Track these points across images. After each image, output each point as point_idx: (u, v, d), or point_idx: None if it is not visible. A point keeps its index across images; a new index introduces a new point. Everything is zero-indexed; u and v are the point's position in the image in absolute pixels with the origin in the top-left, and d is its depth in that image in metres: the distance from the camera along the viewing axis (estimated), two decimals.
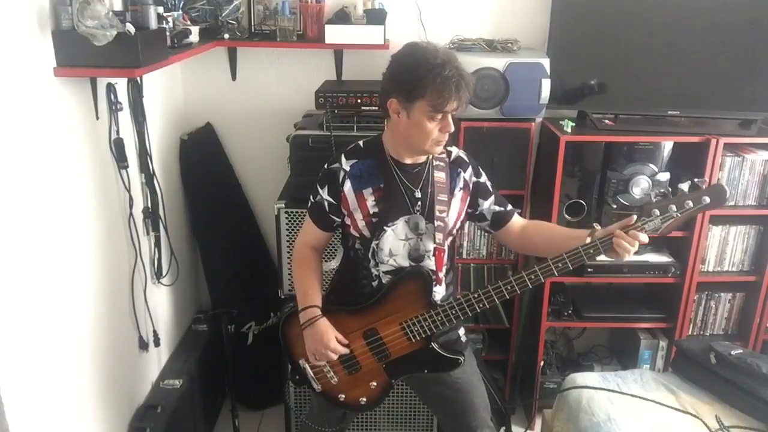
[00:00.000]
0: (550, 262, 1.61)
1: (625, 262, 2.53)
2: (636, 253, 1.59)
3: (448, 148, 1.77)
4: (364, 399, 1.83)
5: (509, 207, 1.84)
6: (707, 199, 1.56)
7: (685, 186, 1.58)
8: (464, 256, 2.63)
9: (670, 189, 1.64)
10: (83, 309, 1.90)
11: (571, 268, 1.61)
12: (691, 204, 1.56)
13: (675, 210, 1.57)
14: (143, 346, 2.31)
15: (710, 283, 2.62)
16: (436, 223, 1.70)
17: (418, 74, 1.53)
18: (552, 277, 1.65)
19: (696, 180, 1.59)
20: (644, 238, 1.58)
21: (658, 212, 1.57)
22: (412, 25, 2.64)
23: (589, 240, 1.61)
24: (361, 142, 1.75)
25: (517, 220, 1.84)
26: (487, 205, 1.80)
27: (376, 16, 2.47)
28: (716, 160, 2.40)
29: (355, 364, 1.77)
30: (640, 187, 2.45)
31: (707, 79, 2.45)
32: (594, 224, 1.65)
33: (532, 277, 1.62)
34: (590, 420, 2.05)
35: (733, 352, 2.16)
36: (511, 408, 2.86)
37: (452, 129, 1.60)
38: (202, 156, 2.76)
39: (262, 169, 2.86)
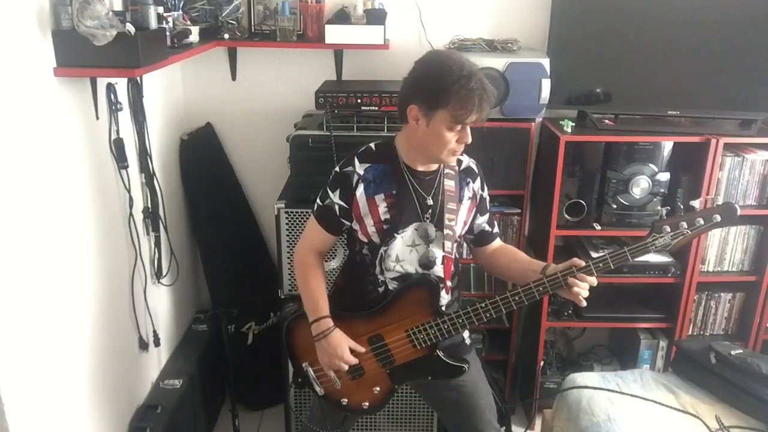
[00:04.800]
0: (560, 274, 1.61)
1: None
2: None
3: (459, 157, 1.75)
4: (367, 403, 1.82)
5: (495, 230, 1.86)
6: (718, 218, 1.58)
7: (696, 203, 1.61)
8: (464, 256, 2.62)
9: (684, 206, 1.64)
10: (83, 309, 1.90)
11: (563, 285, 1.62)
12: (702, 222, 1.58)
13: (686, 227, 1.59)
14: (143, 346, 2.31)
15: (710, 283, 2.62)
16: (446, 231, 1.69)
17: (443, 84, 1.51)
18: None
19: (707, 197, 1.61)
20: (593, 280, 1.60)
21: (669, 229, 1.59)
22: (412, 25, 2.65)
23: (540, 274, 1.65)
24: (372, 145, 1.72)
25: (495, 243, 1.87)
26: (480, 221, 1.81)
27: (376, 16, 2.46)
28: (716, 160, 2.40)
29: (359, 369, 1.76)
30: (640, 187, 2.45)
31: (707, 79, 2.45)
32: (546, 263, 1.70)
33: (540, 289, 1.62)
34: (590, 420, 2.05)
35: (733, 352, 2.16)
36: (511, 408, 2.87)
37: (470, 140, 1.59)
38: (202, 156, 2.76)
39: (262, 169, 2.86)
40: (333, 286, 1.92)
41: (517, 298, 1.63)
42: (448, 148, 1.59)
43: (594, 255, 2.53)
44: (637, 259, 1.58)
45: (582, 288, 1.60)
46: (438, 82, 1.52)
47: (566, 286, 1.61)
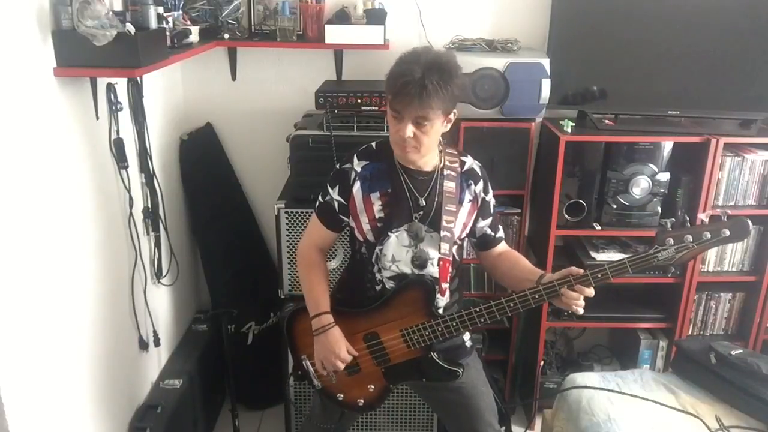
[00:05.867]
0: (555, 283, 1.59)
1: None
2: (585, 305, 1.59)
3: (462, 158, 1.76)
4: (362, 401, 1.83)
5: (499, 234, 1.84)
6: (727, 232, 1.48)
7: (704, 216, 1.52)
8: (464, 256, 2.62)
9: (685, 211, 1.58)
10: (83, 309, 1.90)
11: (546, 299, 1.61)
12: (709, 236, 1.49)
13: (691, 240, 1.50)
14: (143, 346, 2.31)
15: (710, 283, 2.62)
16: (443, 233, 1.69)
17: (392, 68, 1.56)
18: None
19: (718, 210, 1.53)
20: (590, 292, 1.57)
21: (672, 241, 1.51)
22: (412, 25, 2.64)
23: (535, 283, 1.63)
24: (374, 144, 1.74)
25: (499, 247, 1.85)
26: (482, 224, 1.80)
27: (376, 16, 2.47)
28: (716, 160, 2.40)
29: (354, 365, 1.77)
30: (640, 187, 2.45)
31: (707, 79, 2.45)
32: (544, 271, 1.67)
33: (536, 296, 1.61)
34: (590, 420, 2.05)
35: (733, 352, 2.16)
36: (511, 408, 2.87)
37: (404, 134, 1.55)
38: (202, 156, 2.76)
39: (262, 169, 2.86)
40: (337, 283, 1.93)
41: (512, 305, 1.62)
42: (392, 139, 1.61)
43: (594, 255, 2.54)
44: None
45: (574, 299, 1.57)
46: (392, 66, 1.56)
47: (561, 295, 1.59)
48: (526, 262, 1.81)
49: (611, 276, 1.56)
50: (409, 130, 1.55)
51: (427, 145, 1.60)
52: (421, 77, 1.49)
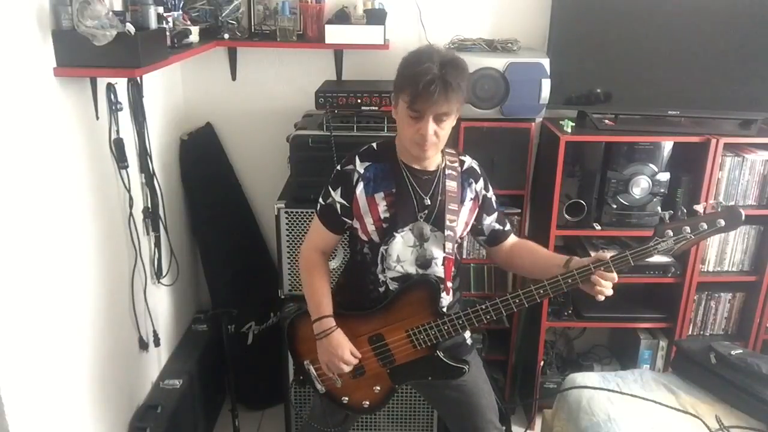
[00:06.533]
0: (560, 277, 1.61)
1: None
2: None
3: (461, 158, 1.77)
4: (367, 402, 1.83)
5: (507, 227, 1.86)
6: (722, 222, 1.56)
7: (699, 207, 1.59)
8: (464, 256, 2.62)
9: (687, 209, 1.62)
10: (83, 309, 1.90)
11: (565, 290, 1.63)
12: (705, 226, 1.57)
13: (689, 231, 1.57)
14: (143, 346, 2.31)
15: (710, 283, 2.62)
16: (446, 232, 1.69)
17: (405, 70, 1.56)
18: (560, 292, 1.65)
19: (711, 201, 1.60)
20: (613, 276, 1.60)
21: (671, 233, 1.58)
22: (412, 25, 2.65)
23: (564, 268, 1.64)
24: (374, 144, 1.74)
25: (510, 239, 1.86)
26: (489, 221, 1.81)
27: (376, 16, 2.47)
28: (716, 160, 2.40)
29: (359, 368, 1.77)
30: (640, 187, 2.45)
31: (707, 79, 2.45)
32: (570, 256, 1.69)
33: (541, 291, 1.62)
34: (590, 420, 2.05)
35: (733, 352, 2.16)
36: (511, 408, 2.87)
37: (427, 132, 1.56)
38: (202, 156, 2.76)
39: (262, 169, 2.86)
40: (335, 286, 1.92)
41: (517, 301, 1.63)
42: (409, 138, 1.61)
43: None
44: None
45: (599, 285, 1.59)
46: (403, 67, 1.57)
47: (566, 288, 1.62)
48: (544, 249, 1.82)
49: (613, 268, 1.59)
50: (431, 128, 1.56)
51: (443, 140, 1.63)
52: (442, 75, 1.51)
